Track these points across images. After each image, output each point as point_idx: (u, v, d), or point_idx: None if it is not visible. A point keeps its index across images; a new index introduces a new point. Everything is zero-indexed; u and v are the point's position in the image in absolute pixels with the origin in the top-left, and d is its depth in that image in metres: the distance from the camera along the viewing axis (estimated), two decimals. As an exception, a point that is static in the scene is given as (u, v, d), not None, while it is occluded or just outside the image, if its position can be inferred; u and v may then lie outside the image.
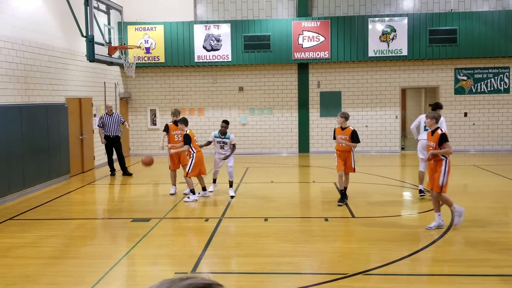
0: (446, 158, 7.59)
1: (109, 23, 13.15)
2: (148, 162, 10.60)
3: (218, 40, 17.27)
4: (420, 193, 10.06)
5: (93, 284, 5.76)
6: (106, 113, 13.74)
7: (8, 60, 10.72)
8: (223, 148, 10.53)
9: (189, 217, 9.35)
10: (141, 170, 14.99)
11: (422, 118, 9.95)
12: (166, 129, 11.09)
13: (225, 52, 17.27)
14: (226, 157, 10.49)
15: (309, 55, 17.15)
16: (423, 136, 9.80)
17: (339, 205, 9.46)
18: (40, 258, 6.76)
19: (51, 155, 12.31)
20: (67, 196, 11.23)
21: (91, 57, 11.33)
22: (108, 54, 12.70)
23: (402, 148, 18.43)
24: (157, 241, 7.56)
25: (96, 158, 15.43)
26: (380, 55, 17.05)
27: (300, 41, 17.10)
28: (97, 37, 11.78)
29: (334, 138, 9.62)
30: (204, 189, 10.55)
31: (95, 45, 11.43)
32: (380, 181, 12.23)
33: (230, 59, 17.31)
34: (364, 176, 12.70)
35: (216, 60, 17.34)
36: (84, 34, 11.40)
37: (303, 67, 17.94)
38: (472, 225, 8.15)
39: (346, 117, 9.49)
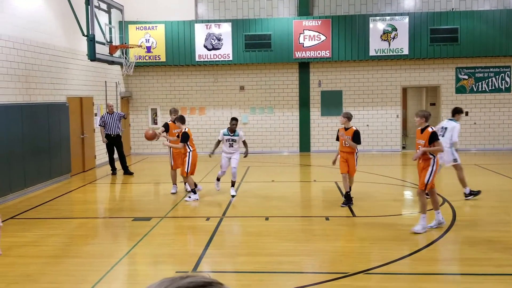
0: (434, 157, 7.52)
1: (110, 22, 13.15)
2: (150, 137, 10.59)
3: (219, 39, 17.27)
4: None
5: (94, 283, 5.76)
6: (107, 112, 13.75)
7: (9, 59, 10.73)
8: (232, 146, 10.41)
9: (190, 216, 9.35)
10: (142, 169, 15.01)
11: (445, 123, 9.85)
12: (167, 128, 11.07)
13: (226, 51, 17.27)
14: (246, 154, 10.61)
15: (310, 54, 17.14)
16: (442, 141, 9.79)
17: (342, 206, 9.45)
18: (41, 257, 6.77)
19: (52, 154, 12.32)
20: (68, 195, 11.24)
21: (92, 56, 11.33)
22: (109, 53, 12.70)
23: (403, 147, 18.42)
24: (158, 240, 7.56)
25: (97, 157, 15.44)
26: (381, 54, 17.04)
27: (301, 40, 17.09)
28: (98, 36, 11.78)
29: (337, 139, 9.57)
30: (194, 191, 10.35)
31: (96, 44, 11.43)
32: (381, 180, 12.22)
33: (231, 58, 17.31)
34: (365, 175, 12.69)
35: (217, 59, 17.34)
36: (85, 33, 11.41)
37: (304, 66, 17.93)
38: (473, 224, 8.14)
39: (348, 117, 9.41)
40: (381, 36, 16.99)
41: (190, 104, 18.37)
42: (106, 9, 13.06)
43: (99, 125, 13.88)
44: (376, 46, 16.99)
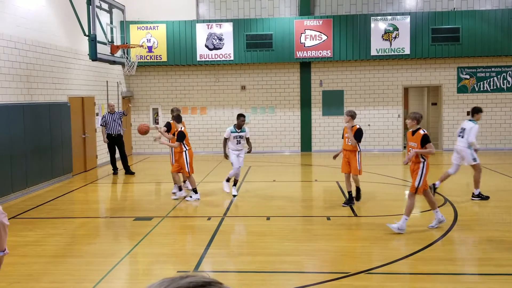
0: (425, 160, 7.47)
1: (111, 22, 13.17)
2: (143, 130, 10.60)
3: (220, 39, 17.27)
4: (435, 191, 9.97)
5: (96, 282, 5.78)
6: (109, 112, 13.77)
7: (11, 59, 10.74)
8: (240, 143, 10.36)
9: (191, 215, 9.36)
10: (143, 169, 15.02)
11: (465, 124, 9.83)
12: (169, 127, 11.06)
13: (227, 51, 17.27)
14: (250, 150, 10.58)
15: (311, 54, 17.13)
16: (459, 142, 9.77)
17: (343, 206, 9.45)
18: (43, 257, 6.79)
19: (53, 154, 12.34)
20: (70, 195, 11.26)
21: (94, 56, 11.35)
22: (111, 53, 12.71)
23: (405, 147, 18.40)
24: (159, 240, 7.58)
25: (98, 157, 15.46)
26: (383, 54, 17.03)
27: (303, 40, 17.09)
28: (100, 36, 11.80)
29: (343, 137, 9.57)
30: (180, 188, 10.37)
31: (98, 44, 11.45)
32: (382, 180, 12.22)
33: (232, 58, 17.31)
34: (366, 175, 12.67)
35: (218, 59, 17.34)
36: (87, 33, 11.42)
37: (306, 66, 17.93)
38: (474, 224, 8.14)
39: (351, 115, 9.34)
40: (382, 36, 16.98)
41: (191, 104, 18.39)
42: (108, 9, 13.07)
43: (100, 125, 13.90)
44: (377, 45, 16.99)
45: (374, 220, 8.51)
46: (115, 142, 13.76)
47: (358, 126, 9.30)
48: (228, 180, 10.53)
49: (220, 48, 17.29)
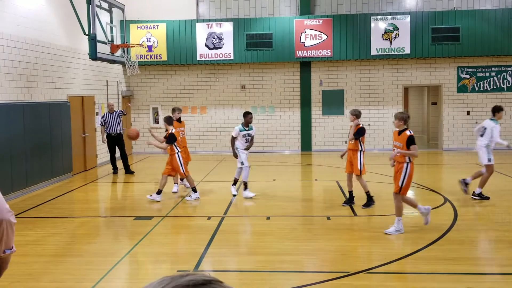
0: (410, 161, 7.41)
1: (111, 22, 13.16)
2: (133, 136, 10.57)
3: (220, 39, 17.26)
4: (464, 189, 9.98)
5: (96, 282, 5.77)
6: (108, 111, 13.76)
7: (11, 58, 10.74)
8: (248, 142, 10.23)
9: (191, 215, 9.36)
10: (143, 168, 15.02)
11: (486, 123, 9.81)
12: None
13: (228, 50, 17.26)
14: (248, 148, 10.23)
15: (311, 53, 17.13)
16: (478, 141, 9.76)
17: (343, 205, 9.44)
18: (43, 256, 6.78)
19: (53, 153, 12.34)
20: (70, 194, 11.26)
21: (94, 55, 11.34)
22: (111, 52, 12.71)
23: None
24: (159, 239, 7.58)
25: (98, 156, 15.46)
26: (383, 53, 17.02)
27: (303, 40, 17.09)
28: (100, 36, 11.79)
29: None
30: (159, 192, 10.04)
31: (98, 44, 11.44)
32: (382, 180, 12.21)
33: (232, 58, 17.31)
34: (366, 174, 12.66)
35: (218, 58, 17.34)
36: (87, 33, 11.42)
37: (306, 66, 17.92)
38: (475, 224, 8.14)
39: (356, 114, 9.28)
40: (382, 36, 16.98)
41: (191, 103, 18.38)
42: (108, 8, 13.07)
43: (100, 125, 13.90)
44: (377, 45, 16.98)
45: (374, 220, 8.51)
46: (116, 141, 13.75)
47: (361, 125, 9.29)
48: (246, 186, 10.25)
49: (220, 48, 17.28)
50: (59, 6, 12.78)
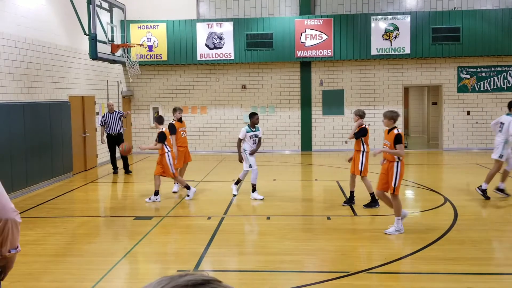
0: (399, 160, 7.45)
1: (111, 21, 13.17)
2: (126, 152, 10.62)
3: (220, 38, 17.26)
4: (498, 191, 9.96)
5: (96, 281, 5.78)
6: (108, 112, 13.77)
7: (11, 58, 10.75)
8: (255, 143, 10.11)
9: (191, 215, 9.36)
10: (144, 168, 15.03)
11: (503, 118, 9.78)
12: (173, 129, 10.99)
13: (228, 50, 17.26)
14: (254, 152, 10.05)
15: (311, 53, 17.13)
16: (497, 137, 9.75)
17: (343, 205, 9.45)
18: (43, 256, 6.79)
19: (53, 153, 12.35)
20: (70, 194, 11.26)
21: (94, 55, 11.35)
22: (111, 52, 12.71)
23: (405, 147, 18.36)
24: (159, 239, 7.58)
25: (98, 156, 15.46)
26: (383, 53, 17.02)
27: (303, 39, 17.08)
28: (100, 35, 11.80)
29: None
30: (156, 193, 10.03)
31: (98, 43, 11.45)
32: (382, 180, 12.19)
33: (232, 57, 17.31)
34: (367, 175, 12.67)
35: (218, 58, 17.34)
36: (87, 32, 11.43)
37: (306, 66, 17.92)
38: (475, 224, 8.14)
39: (359, 114, 9.32)
40: (383, 35, 16.98)
41: (191, 103, 18.39)
42: (108, 8, 13.07)
43: (100, 125, 13.90)
44: (378, 45, 16.98)
45: (374, 220, 8.51)
46: (116, 141, 13.75)
47: (364, 126, 9.31)
48: (254, 188, 10.12)
49: (220, 48, 17.29)
50: (59, 6, 12.79)
